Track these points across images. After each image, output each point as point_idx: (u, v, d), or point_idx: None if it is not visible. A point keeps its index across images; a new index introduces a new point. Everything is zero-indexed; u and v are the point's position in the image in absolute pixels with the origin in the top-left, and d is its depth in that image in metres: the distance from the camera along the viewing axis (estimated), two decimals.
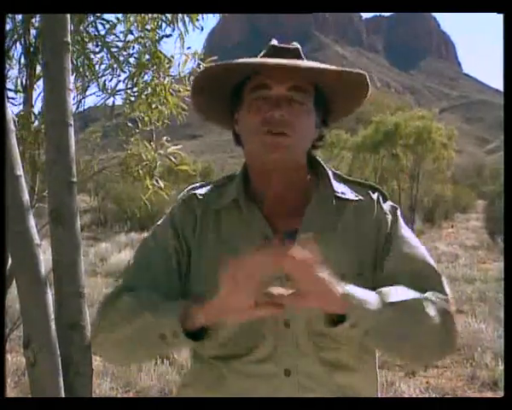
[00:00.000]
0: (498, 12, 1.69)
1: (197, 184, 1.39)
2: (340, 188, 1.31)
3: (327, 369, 1.21)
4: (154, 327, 1.13)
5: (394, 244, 1.28)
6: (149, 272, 1.25)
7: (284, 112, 1.21)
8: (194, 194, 1.35)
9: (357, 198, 1.31)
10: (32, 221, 0.84)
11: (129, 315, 1.16)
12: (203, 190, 1.35)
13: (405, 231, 1.32)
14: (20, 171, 0.80)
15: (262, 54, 1.27)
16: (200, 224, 1.29)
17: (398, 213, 1.33)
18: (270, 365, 1.19)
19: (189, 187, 1.39)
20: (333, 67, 1.25)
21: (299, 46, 1.29)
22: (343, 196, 1.30)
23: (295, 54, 1.26)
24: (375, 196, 1.34)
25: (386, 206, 1.33)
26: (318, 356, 1.21)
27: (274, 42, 1.29)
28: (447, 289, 1.29)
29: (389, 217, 1.31)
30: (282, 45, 1.28)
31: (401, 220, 1.33)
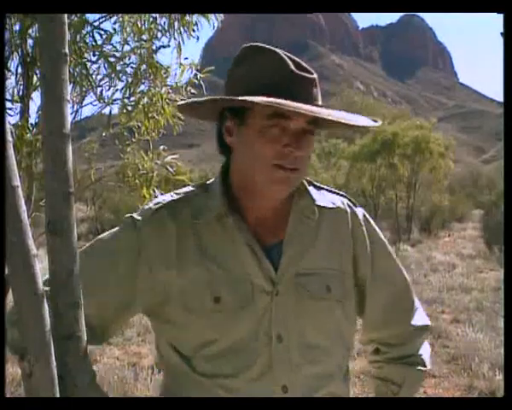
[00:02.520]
0: (498, 12, 1.71)
1: (161, 199, 1.29)
2: (317, 196, 1.32)
3: (319, 380, 1.22)
4: None
5: (374, 260, 1.34)
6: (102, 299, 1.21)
7: (302, 149, 1.16)
8: (164, 210, 1.25)
9: (334, 206, 1.33)
10: (28, 232, 0.84)
11: None
12: (173, 205, 1.26)
13: (381, 240, 1.38)
14: (17, 181, 0.80)
15: (277, 78, 1.15)
16: (179, 243, 1.21)
17: (370, 219, 1.38)
18: (267, 382, 1.17)
19: (157, 200, 1.28)
20: (361, 122, 1.22)
21: (315, 75, 1.21)
22: (322, 204, 1.31)
23: (314, 83, 1.19)
24: (346, 202, 1.37)
25: (360, 213, 1.37)
26: (310, 369, 1.21)
27: (290, 65, 1.16)
28: (422, 315, 1.44)
29: (363, 225, 1.35)
30: (302, 74, 1.17)
31: (375, 226, 1.38)
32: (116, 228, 1.27)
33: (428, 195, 21.00)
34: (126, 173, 3.43)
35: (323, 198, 1.32)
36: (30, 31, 2.98)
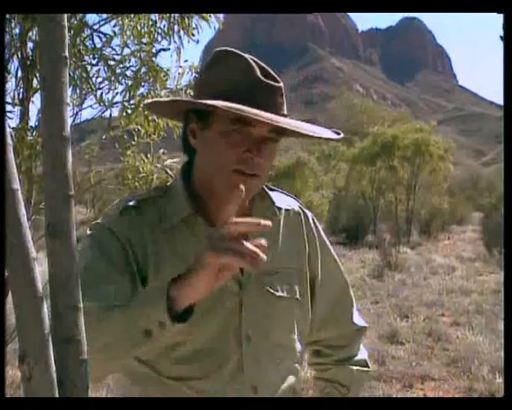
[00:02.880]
0: (498, 12, 1.71)
1: (127, 199, 1.25)
2: (276, 198, 1.34)
3: (283, 379, 1.26)
4: (134, 325, 0.98)
5: (322, 261, 1.40)
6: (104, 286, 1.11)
7: (263, 156, 1.17)
8: (131, 210, 1.22)
9: (290, 208, 1.37)
10: (28, 235, 0.83)
11: (98, 323, 0.97)
12: (139, 205, 1.23)
13: (326, 242, 1.44)
14: (17, 185, 0.79)
15: (242, 84, 1.16)
16: (151, 243, 1.19)
17: (317, 222, 1.43)
18: (238, 383, 1.19)
19: (121, 202, 1.25)
20: (322, 134, 1.23)
21: (282, 84, 1.20)
22: (280, 206, 1.34)
23: (279, 92, 1.19)
24: (298, 205, 1.40)
25: (310, 216, 1.41)
26: (276, 368, 1.25)
27: (257, 72, 1.17)
28: (359, 316, 1.50)
29: (314, 227, 1.40)
30: (268, 82, 1.17)
31: (321, 229, 1.43)
32: (89, 248, 1.17)
33: (428, 197, 21.02)
34: (126, 176, 3.44)
35: (281, 200, 1.35)
36: (30, 34, 2.98)
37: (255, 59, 1.20)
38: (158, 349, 1.15)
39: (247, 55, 1.20)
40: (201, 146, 1.22)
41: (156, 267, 1.19)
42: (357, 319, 1.48)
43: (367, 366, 1.47)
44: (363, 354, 1.48)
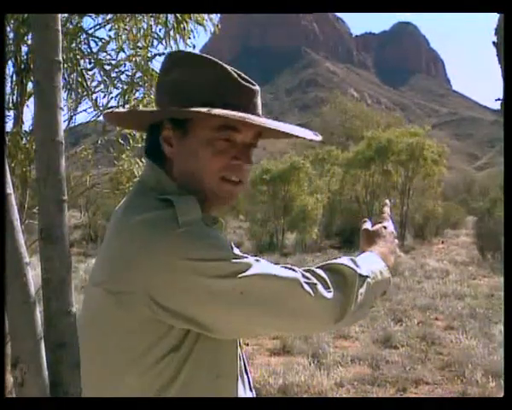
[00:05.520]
0: (498, 12, 1.72)
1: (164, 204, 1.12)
2: None
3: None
4: (379, 288, 1.21)
5: None
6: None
7: (250, 162, 1.17)
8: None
9: None
10: (21, 240, 0.83)
11: (359, 291, 1.15)
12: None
13: None
14: (10, 189, 0.79)
15: (223, 88, 1.13)
16: None
17: None
18: (245, 383, 1.20)
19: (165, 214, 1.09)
20: (303, 135, 1.23)
21: (258, 88, 1.19)
22: None
23: (258, 95, 1.19)
24: None
25: None
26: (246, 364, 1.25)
27: (234, 75, 1.14)
28: None
29: None
30: (248, 85, 1.15)
31: None
32: (213, 239, 1.08)
33: (422, 201, 21.08)
34: (120, 180, 3.43)
35: None
36: (25, 38, 2.98)
37: (220, 62, 1.16)
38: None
39: (214, 58, 1.16)
40: (181, 154, 1.15)
41: None
42: None
43: None
44: None
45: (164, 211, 1.05)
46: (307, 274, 1.09)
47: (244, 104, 1.13)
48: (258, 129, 1.14)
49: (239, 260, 1.03)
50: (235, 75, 1.14)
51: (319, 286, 1.08)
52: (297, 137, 1.22)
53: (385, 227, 1.35)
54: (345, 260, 1.17)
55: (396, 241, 1.37)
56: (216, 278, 1.00)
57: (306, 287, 1.06)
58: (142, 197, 1.13)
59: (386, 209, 1.41)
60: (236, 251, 1.09)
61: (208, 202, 1.17)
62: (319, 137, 1.24)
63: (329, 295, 1.09)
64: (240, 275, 1.02)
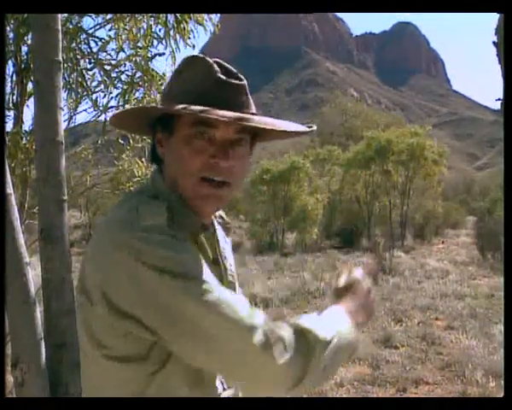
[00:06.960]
0: (498, 12, 1.73)
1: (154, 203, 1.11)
2: None
3: None
4: (350, 346, 1.14)
5: None
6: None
7: (231, 161, 1.10)
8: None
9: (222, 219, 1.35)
10: (21, 240, 0.83)
11: (328, 352, 1.07)
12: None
13: None
14: (10, 189, 0.79)
15: (203, 85, 1.10)
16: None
17: None
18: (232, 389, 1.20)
19: (152, 208, 1.09)
20: (294, 128, 1.18)
21: (245, 82, 1.15)
22: (221, 215, 1.33)
23: (243, 90, 1.14)
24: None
25: None
26: None
27: (218, 72, 1.12)
28: None
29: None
30: (229, 80, 1.12)
31: None
32: (182, 253, 1.04)
33: (422, 201, 21.07)
34: (120, 180, 3.44)
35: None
36: (25, 38, 2.98)
37: (219, 61, 1.15)
38: None
39: (210, 59, 1.14)
40: (167, 155, 1.15)
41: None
42: None
43: None
44: None
45: (129, 214, 1.04)
46: (269, 331, 1.01)
47: (224, 100, 1.08)
48: (239, 126, 1.09)
49: (189, 279, 0.99)
50: (219, 72, 1.11)
51: (278, 345, 1.00)
52: (290, 133, 1.18)
53: (359, 282, 1.27)
54: (309, 321, 1.08)
55: (371, 296, 1.30)
56: (160, 288, 0.98)
57: (258, 339, 0.99)
58: (130, 198, 1.14)
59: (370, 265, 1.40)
60: (201, 270, 1.02)
61: (192, 204, 1.13)
62: (314, 127, 1.22)
63: (285, 356, 1.01)
64: (182, 295, 0.98)
